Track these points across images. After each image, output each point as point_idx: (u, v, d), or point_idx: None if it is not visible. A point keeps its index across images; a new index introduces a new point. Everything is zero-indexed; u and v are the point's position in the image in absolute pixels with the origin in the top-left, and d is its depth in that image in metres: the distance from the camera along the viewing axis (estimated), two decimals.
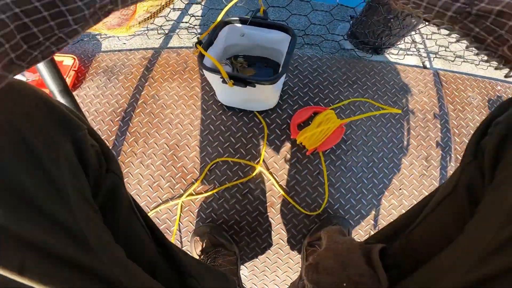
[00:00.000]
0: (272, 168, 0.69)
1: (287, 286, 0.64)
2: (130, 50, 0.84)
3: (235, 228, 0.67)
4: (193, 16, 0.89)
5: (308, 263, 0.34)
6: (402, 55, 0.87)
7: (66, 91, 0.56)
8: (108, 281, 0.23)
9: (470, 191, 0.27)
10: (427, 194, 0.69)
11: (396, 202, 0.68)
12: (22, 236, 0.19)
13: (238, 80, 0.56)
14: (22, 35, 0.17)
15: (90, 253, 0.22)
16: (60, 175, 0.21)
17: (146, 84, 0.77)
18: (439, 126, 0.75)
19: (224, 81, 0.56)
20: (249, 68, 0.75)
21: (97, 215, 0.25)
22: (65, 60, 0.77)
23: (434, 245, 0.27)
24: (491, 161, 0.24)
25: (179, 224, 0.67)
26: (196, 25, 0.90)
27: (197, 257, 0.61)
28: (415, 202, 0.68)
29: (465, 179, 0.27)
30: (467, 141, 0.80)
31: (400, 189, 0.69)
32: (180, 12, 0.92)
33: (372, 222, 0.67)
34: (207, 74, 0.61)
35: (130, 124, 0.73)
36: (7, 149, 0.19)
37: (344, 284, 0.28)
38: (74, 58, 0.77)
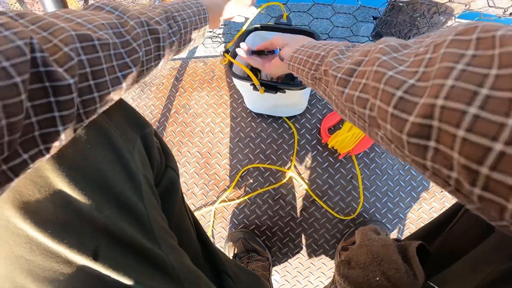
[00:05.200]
0: (304, 173, 0.69)
1: None
2: None
3: (267, 234, 0.67)
4: None
5: (341, 260, 0.35)
6: None
7: None
8: (165, 267, 0.24)
9: None
10: None
11: (437, 204, 0.65)
12: (99, 221, 0.20)
13: (269, 87, 0.56)
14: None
15: (153, 240, 0.24)
16: (135, 165, 0.24)
17: (177, 94, 0.80)
18: None
19: (255, 88, 0.57)
20: None
21: (159, 204, 0.27)
22: None
23: (470, 240, 0.28)
24: None
25: (212, 230, 0.69)
26: (219, 34, 0.92)
27: None
28: None
29: None
30: None
31: (441, 190, 0.66)
32: None
33: (412, 226, 0.65)
34: (237, 82, 0.62)
35: (164, 134, 0.76)
36: (94, 143, 0.22)
37: (377, 278, 0.28)
38: None
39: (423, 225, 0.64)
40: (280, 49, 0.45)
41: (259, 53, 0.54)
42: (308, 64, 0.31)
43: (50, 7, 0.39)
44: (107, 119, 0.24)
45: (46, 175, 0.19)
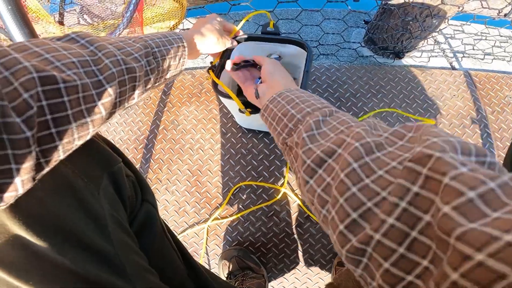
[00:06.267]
0: (297, 189, 0.67)
1: None
2: None
3: (262, 250, 0.65)
4: None
5: (329, 283, 0.36)
6: (427, 58, 0.82)
7: None
8: None
9: None
10: None
11: None
12: (63, 264, 0.20)
13: (255, 108, 0.54)
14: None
15: (125, 278, 0.23)
16: (99, 207, 0.24)
17: (165, 109, 0.78)
18: (479, 131, 0.69)
19: (241, 111, 0.54)
20: None
21: (133, 241, 0.27)
22: None
23: None
24: None
25: (206, 247, 0.67)
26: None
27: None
28: None
29: None
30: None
31: None
32: None
33: None
34: (224, 100, 0.60)
35: (153, 151, 0.74)
36: (53, 190, 0.21)
37: None
38: None
39: None
40: (261, 81, 0.42)
41: (251, 65, 0.49)
42: (282, 124, 0.29)
43: (14, 31, 0.37)
44: (67, 161, 0.23)
45: (3, 222, 0.19)
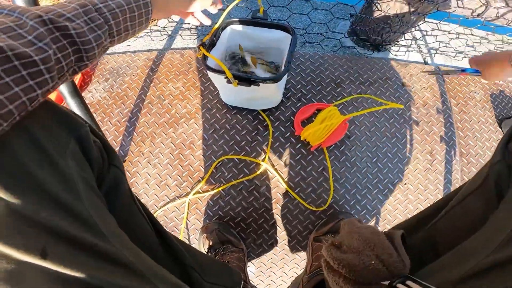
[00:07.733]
0: (278, 165, 0.70)
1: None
2: (134, 51, 0.86)
3: (242, 225, 0.67)
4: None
5: (329, 244, 0.34)
6: (404, 52, 0.88)
7: (76, 92, 0.57)
8: (122, 263, 0.25)
9: (497, 186, 0.30)
10: (432, 188, 0.70)
11: (401, 196, 0.69)
12: (41, 222, 0.21)
13: (243, 79, 0.57)
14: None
15: (101, 237, 0.24)
16: (68, 168, 0.24)
17: (151, 85, 0.78)
18: (442, 120, 0.76)
19: (229, 81, 0.56)
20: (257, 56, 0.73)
21: (103, 202, 0.27)
22: None
23: (458, 236, 0.29)
24: None
25: (186, 222, 0.68)
26: (198, 26, 0.91)
27: None
28: (421, 197, 0.69)
29: (493, 175, 0.30)
30: (471, 136, 0.79)
31: (405, 183, 0.70)
32: None
33: (378, 217, 0.68)
34: (211, 75, 0.62)
35: (137, 125, 0.74)
36: (23, 150, 0.22)
37: (373, 262, 0.29)
38: None
39: (388, 216, 0.68)
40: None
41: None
42: None
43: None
44: (34, 124, 0.23)
45: None
